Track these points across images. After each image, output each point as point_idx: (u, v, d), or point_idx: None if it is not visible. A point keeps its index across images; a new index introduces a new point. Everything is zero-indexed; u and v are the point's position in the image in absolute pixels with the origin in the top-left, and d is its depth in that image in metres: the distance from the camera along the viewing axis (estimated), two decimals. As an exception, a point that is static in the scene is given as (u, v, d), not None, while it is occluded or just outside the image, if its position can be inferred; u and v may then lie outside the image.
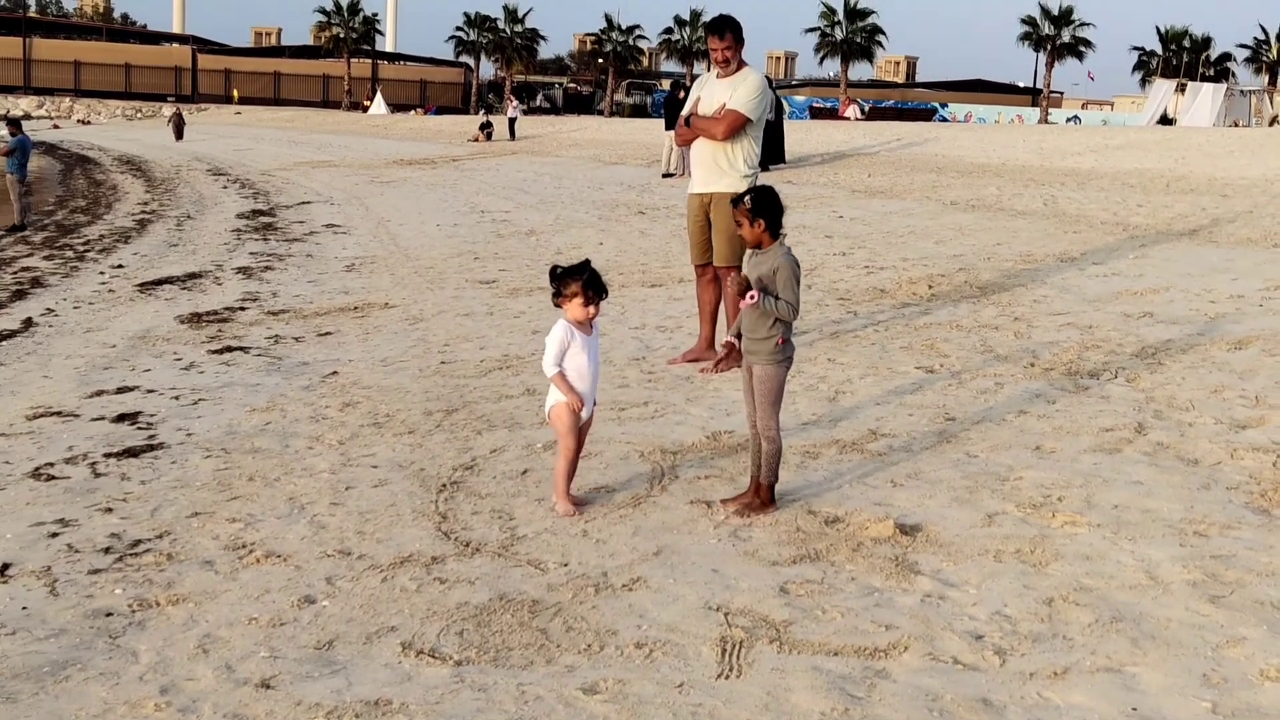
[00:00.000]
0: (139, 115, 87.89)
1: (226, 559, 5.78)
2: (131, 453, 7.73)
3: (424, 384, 9.21)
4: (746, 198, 6.10)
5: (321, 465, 7.28)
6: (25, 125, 28.97)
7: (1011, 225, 16.35)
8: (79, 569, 5.70)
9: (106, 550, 5.96)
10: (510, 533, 5.93)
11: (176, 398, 9.24)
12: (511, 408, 8.38)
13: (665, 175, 27.68)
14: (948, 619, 4.72)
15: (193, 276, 16.16)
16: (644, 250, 16.10)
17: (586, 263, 6.14)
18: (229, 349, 11.02)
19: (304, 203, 26.78)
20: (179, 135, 57.88)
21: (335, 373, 9.82)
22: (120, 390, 9.57)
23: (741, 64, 9.13)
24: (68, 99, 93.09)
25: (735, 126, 8.97)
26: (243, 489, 6.88)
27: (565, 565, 5.48)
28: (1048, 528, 5.65)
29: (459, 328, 11.44)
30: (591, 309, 6.12)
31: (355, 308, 12.95)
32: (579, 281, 6.07)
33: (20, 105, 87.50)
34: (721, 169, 9.11)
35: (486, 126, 49.95)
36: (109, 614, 5.20)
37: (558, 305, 6.16)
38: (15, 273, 17.14)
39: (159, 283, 15.65)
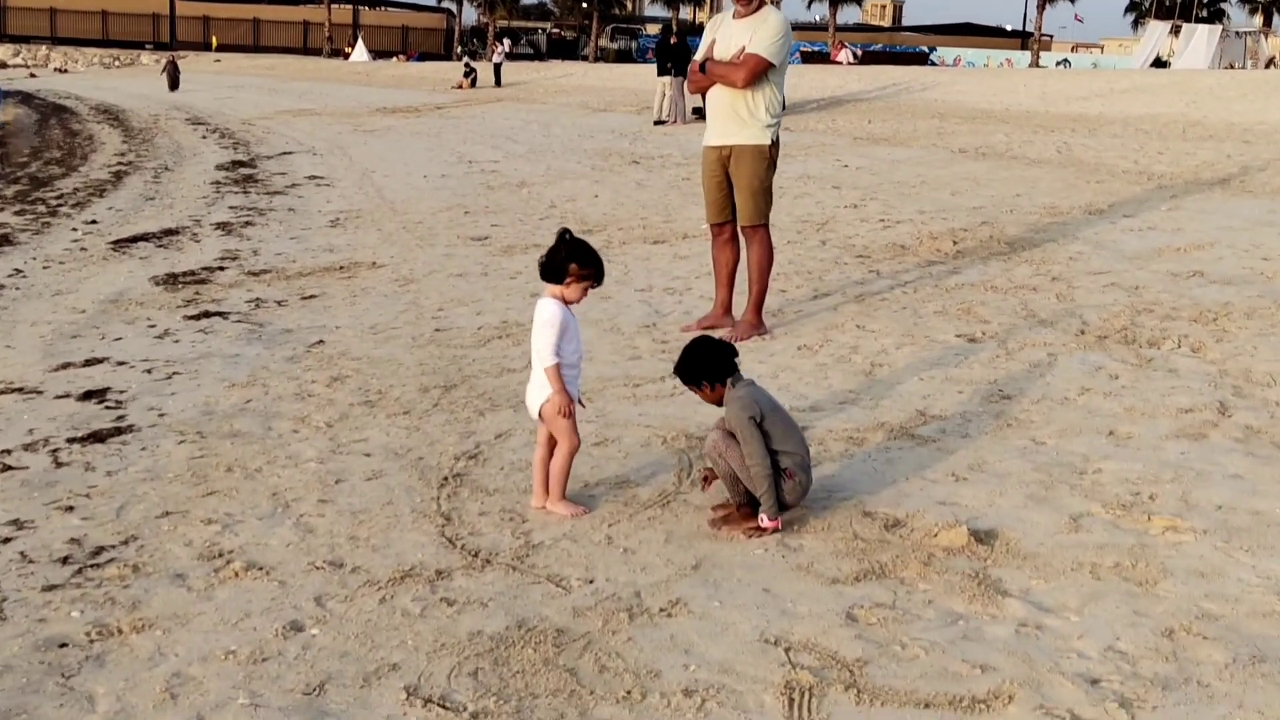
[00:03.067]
0: (116, 64, 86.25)
1: (200, 572, 5.05)
2: (98, 437, 6.98)
3: (418, 355, 8.46)
4: (686, 376, 5.47)
5: (308, 452, 6.54)
6: (1, 74, 27.92)
7: (1028, 175, 15.59)
8: (32, 584, 4.97)
9: (64, 560, 5.22)
10: (524, 539, 5.20)
11: (149, 371, 8.48)
12: (515, 383, 7.63)
13: (657, 123, 26.83)
14: (1052, 657, 4.00)
15: (169, 233, 15.32)
16: (642, 203, 15.31)
17: (567, 233, 5.41)
18: (206, 314, 10.25)
19: (285, 153, 25.88)
20: (174, 85, 55.09)
21: (321, 342, 9.06)
22: (88, 363, 8.80)
23: (762, 2, 8.32)
24: (44, 47, 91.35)
25: (757, 72, 8.19)
26: (220, 482, 6.14)
27: (591, 582, 4.75)
28: (1145, 535, 4.93)
29: (453, 290, 10.67)
30: (586, 294, 5.46)
31: (341, 267, 12.17)
32: (592, 269, 5.37)
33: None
34: (742, 119, 8.32)
35: (470, 73, 48.85)
36: (63, 644, 4.47)
37: (551, 280, 5.37)
38: (-18, 229, 16.26)
39: (134, 240, 14.82)
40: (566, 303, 5.36)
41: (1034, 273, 9.81)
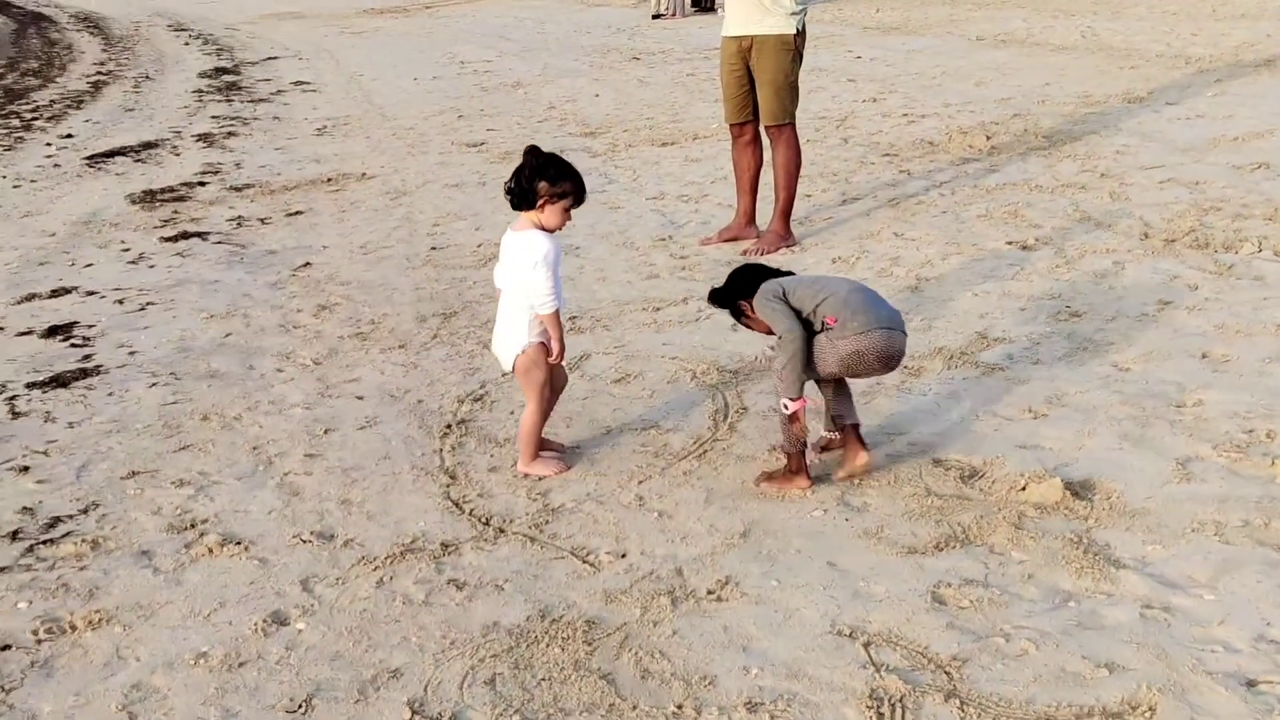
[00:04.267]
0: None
1: (169, 548, 4.36)
2: (60, 381, 6.28)
3: (413, 278, 7.71)
4: (716, 302, 4.78)
5: (294, 396, 5.83)
6: None
7: (1055, 62, 14.67)
8: (-26, 568, 4.25)
9: (14, 535, 4.55)
10: (542, 501, 4.50)
11: (120, 302, 7.75)
12: (522, 309, 6.89)
13: (655, 16, 25.74)
14: (1192, 651, 3.30)
15: (148, 146, 14.49)
16: (646, 102, 14.44)
17: (536, 150, 4.57)
18: (185, 235, 9.49)
19: (270, 58, 24.87)
20: None
21: (308, 264, 8.32)
22: (55, 293, 8.08)
23: (781, -127, 7.45)
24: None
25: (780, -49, 7.35)
26: (194, 433, 5.43)
27: (623, 556, 4.06)
28: (1273, 484, 4.20)
29: (448, 202, 9.89)
30: (568, 218, 4.63)
31: (329, 179, 11.36)
32: (567, 183, 4.51)
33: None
34: (764, 6, 7.50)
35: (460, -30, 47.30)
36: (5, 647, 3.77)
37: (521, 206, 4.54)
38: (-50, 145, 15.42)
39: (111, 154, 14.00)
40: (547, 231, 4.54)
41: (1080, 169, 9.01)
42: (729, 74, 7.83)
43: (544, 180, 4.42)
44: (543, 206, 4.45)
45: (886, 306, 4.37)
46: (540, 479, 4.64)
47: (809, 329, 4.30)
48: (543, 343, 4.60)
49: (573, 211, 4.57)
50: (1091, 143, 9.77)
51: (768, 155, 7.86)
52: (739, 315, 4.60)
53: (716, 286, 4.70)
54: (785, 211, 7.76)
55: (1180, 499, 4.13)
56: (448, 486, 4.66)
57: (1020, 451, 4.57)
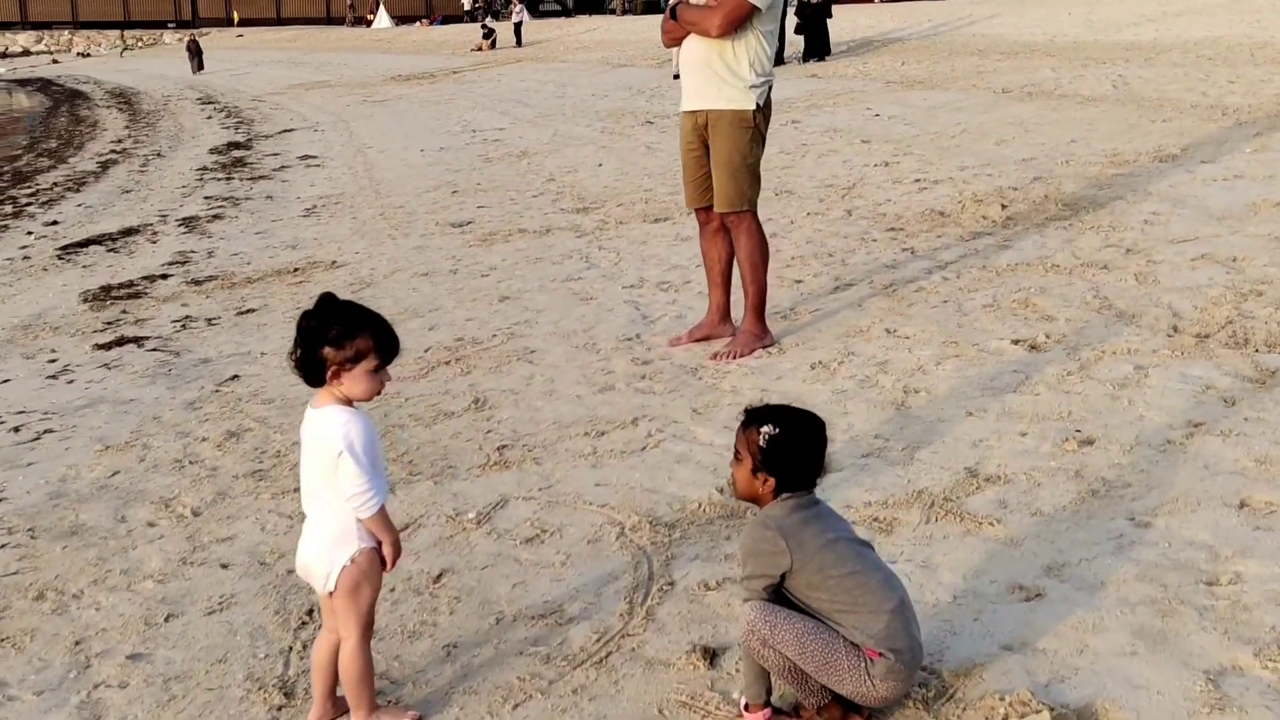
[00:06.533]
0: (139, 44, 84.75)
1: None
2: (-96, 538, 5.36)
3: (341, 395, 6.76)
4: (764, 426, 3.36)
5: (152, 562, 4.91)
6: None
7: (1082, 115, 13.67)
8: None
9: None
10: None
11: (16, 429, 6.91)
12: (448, 435, 5.98)
13: (676, 77, 24.94)
14: None
15: (128, 233, 13.81)
16: (648, 171, 13.57)
17: (331, 297, 3.48)
18: (121, 340, 8.68)
19: (286, 130, 24.31)
20: (198, 65, 51.91)
21: (236, 377, 7.45)
22: (-48, 419, 7.21)
23: (747, -68, 6.52)
24: (66, 32, 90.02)
25: (735, 19, 6.44)
26: (18, 620, 4.53)
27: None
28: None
29: (410, 296, 9.01)
30: (384, 379, 3.49)
31: (295, 269, 10.54)
32: (368, 334, 3.41)
33: (19, 41, 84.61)
34: (720, 78, 6.58)
35: (489, 34, 46.97)
36: None
37: (312, 381, 3.44)
38: (-69, 239, 14.77)
39: (86, 243, 13.33)
40: (353, 404, 3.48)
41: (1103, 243, 7.99)
42: (687, 154, 6.92)
43: (327, 345, 3.37)
44: (336, 376, 3.40)
45: (917, 630, 3.34)
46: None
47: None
48: (374, 547, 3.50)
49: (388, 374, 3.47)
50: (1117, 210, 8.75)
51: (736, 245, 6.91)
52: (737, 454, 3.45)
53: (758, 408, 3.48)
54: (757, 307, 6.80)
55: (1209, 741, 3.09)
56: (277, 713, 3.68)
57: (1004, 657, 3.54)
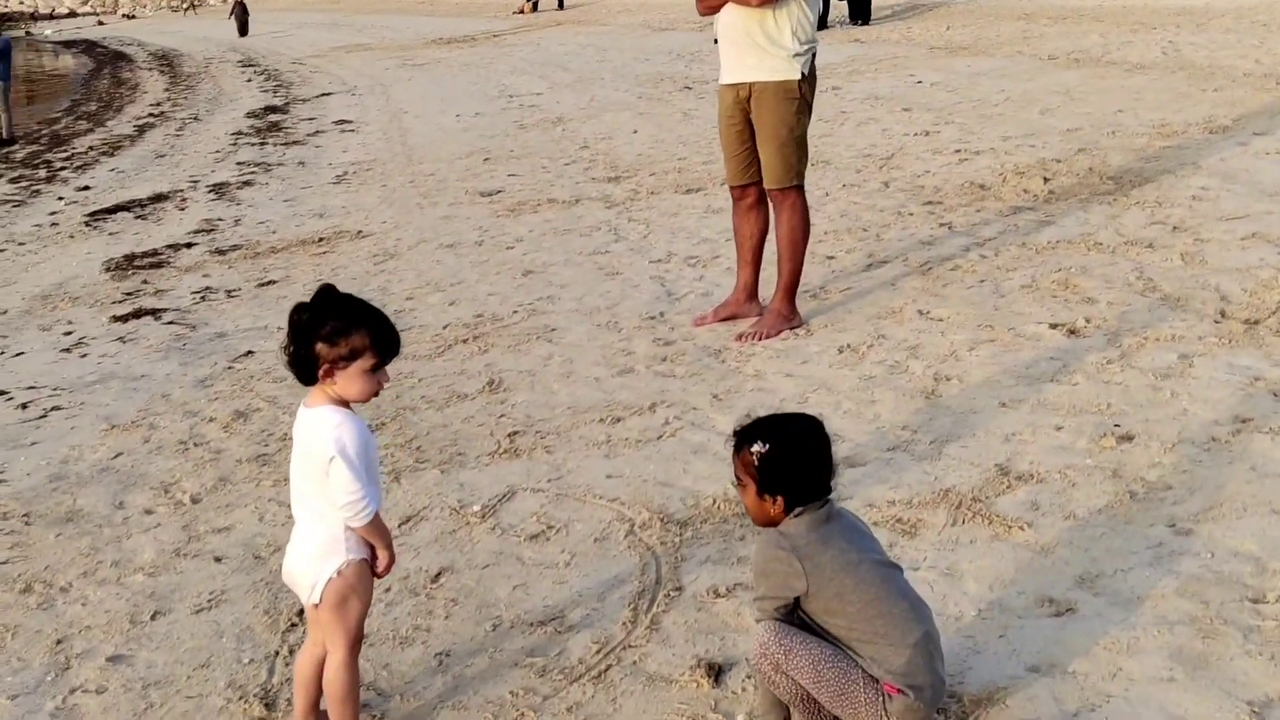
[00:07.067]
0: (185, 6, 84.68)
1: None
2: (-102, 522, 5.22)
3: (354, 374, 6.56)
4: (754, 445, 3.07)
5: (145, 553, 4.73)
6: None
7: (1131, 84, 13.22)
8: None
9: None
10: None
11: (24, 407, 6.76)
12: (459, 420, 5.77)
13: (716, 41, 24.54)
14: None
15: (157, 199, 13.67)
16: (683, 139, 13.25)
17: (331, 289, 3.20)
18: (139, 313, 8.53)
19: (324, 94, 24.10)
20: (243, 30, 51.43)
21: (250, 353, 7.27)
22: (-38, 395, 7.09)
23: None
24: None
25: (775, -12, 6.13)
26: (3, 613, 4.41)
27: None
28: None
29: (433, 269, 8.79)
30: (381, 380, 3.24)
31: (320, 239, 10.34)
32: (365, 332, 3.15)
33: (65, 3, 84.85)
34: (761, 48, 6.28)
35: (533, -4, 46.50)
36: None
37: (305, 379, 3.21)
38: (-37, 204, 14.72)
39: (115, 210, 13.21)
40: (348, 405, 3.24)
41: (1148, 220, 7.66)
42: (728, 128, 6.63)
43: (320, 341, 3.12)
44: (329, 375, 3.16)
45: (942, 664, 3.08)
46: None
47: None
48: (365, 559, 3.28)
49: (386, 374, 3.25)
50: (1165, 185, 8.40)
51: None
52: (739, 480, 3.16)
53: (745, 426, 3.16)
54: (789, 287, 6.52)
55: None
56: (256, 724, 3.48)
57: (1030, 681, 3.29)
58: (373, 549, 3.25)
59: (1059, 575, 3.80)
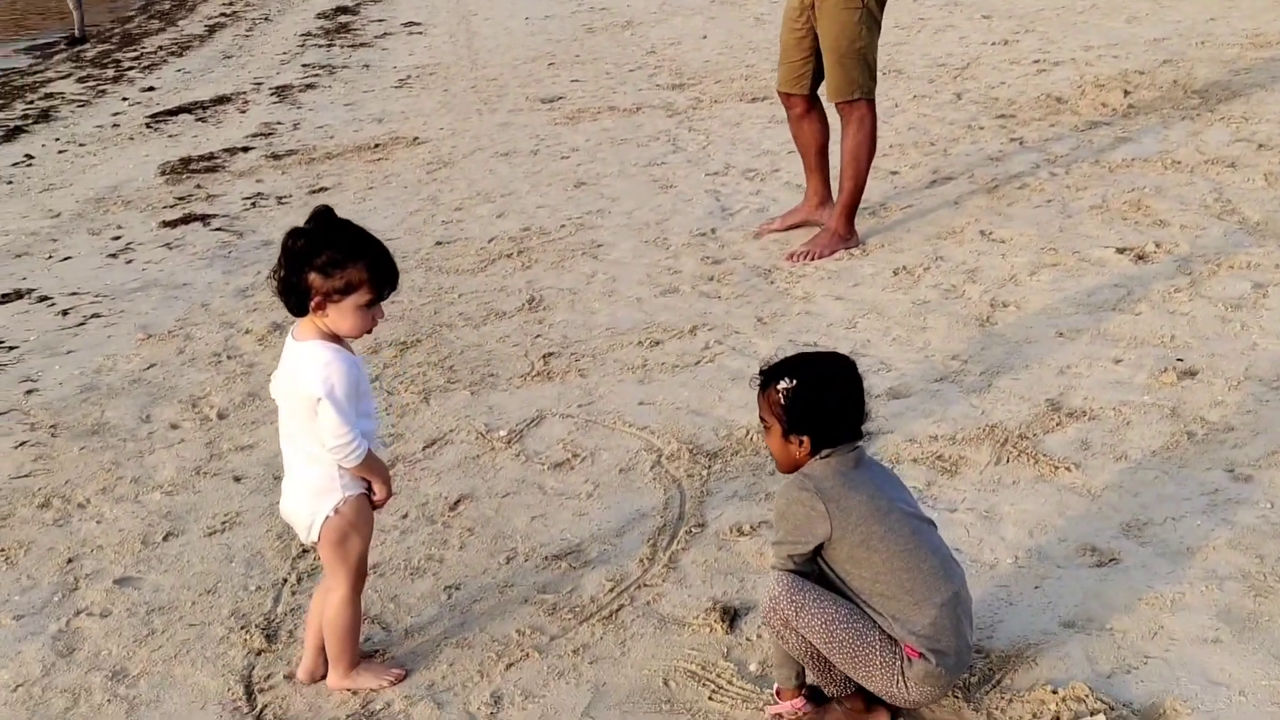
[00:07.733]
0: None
1: None
2: (-77, 430, 5.17)
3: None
4: (780, 382, 2.85)
5: (165, 470, 4.63)
6: None
7: (1225, -10, 12.62)
8: None
9: None
10: (359, 701, 3.16)
11: (65, 313, 6.71)
12: (494, 339, 5.59)
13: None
14: None
15: (220, 101, 13.55)
16: (753, 45, 12.87)
17: (328, 213, 2.99)
18: (189, 218, 8.43)
19: (400, -8, 23.74)
20: None
21: (293, 263, 7.06)
22: (5, 298, 7.03)
23: None
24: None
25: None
26: (16, 530, 4.29)
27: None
28: None
29: (486, 177, 8.60)
30: (376, 315, 3.05)
31: (376, 145, 10.16)
32: (362, 265, 2.94)
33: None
34: (825, -47, 5.97)
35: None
36: None
37: (296, 310, 3.00)
38: (30, 101, 14.70)
39: (177, 111, 13.09)
40: (341, 340, 3.07)
41: (1232, 137, 7.27)
42: (789, 34, 6.35)
43: (313, 271, 2.92)
44: (321, 308, 2.97)
45: (970, 628, 2.86)
46: (387, 684, 3.24)
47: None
48: (363, 493, 3.12)
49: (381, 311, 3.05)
50: (1253, 100, 7.98)
51: (836, 121, 6.34)
52: (764, 423, 2.94)
53: (773, 365, 2.93)
54: (849, 207, 6.25)
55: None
56: (254, 658, 3.35)
57: (1063, 637, 3.07)
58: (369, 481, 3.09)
59: (1104, 522, 3.56)
